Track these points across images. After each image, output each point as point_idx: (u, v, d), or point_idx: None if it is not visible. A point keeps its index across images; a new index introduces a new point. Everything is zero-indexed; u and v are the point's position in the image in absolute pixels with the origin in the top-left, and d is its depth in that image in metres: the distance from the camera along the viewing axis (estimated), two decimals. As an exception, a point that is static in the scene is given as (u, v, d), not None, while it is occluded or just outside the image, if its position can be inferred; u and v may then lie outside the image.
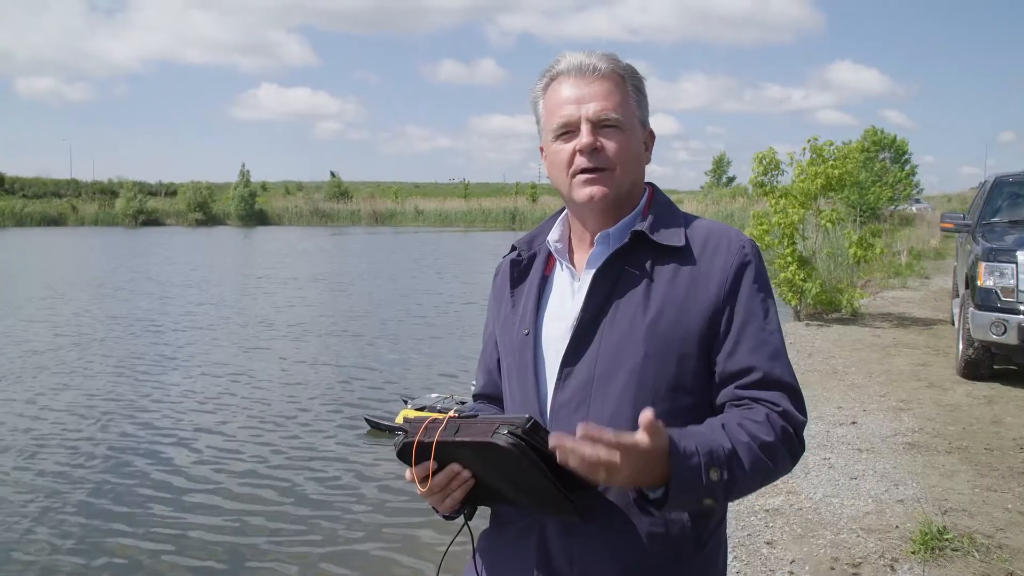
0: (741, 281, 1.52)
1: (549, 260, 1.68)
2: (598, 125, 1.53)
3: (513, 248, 1.73)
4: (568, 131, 1.56)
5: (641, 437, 1.27)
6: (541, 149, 1.65)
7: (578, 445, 1.26)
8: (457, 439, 1.39)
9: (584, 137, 1.53)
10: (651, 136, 1.65)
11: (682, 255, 1.54)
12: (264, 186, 78.45)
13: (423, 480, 1.46)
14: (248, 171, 66.06)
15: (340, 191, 72.62)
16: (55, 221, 61.99)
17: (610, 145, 1.54)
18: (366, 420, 8.57)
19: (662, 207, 1.61)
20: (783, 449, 1.44)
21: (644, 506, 1.40)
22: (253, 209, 64.67)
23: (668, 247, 1.54)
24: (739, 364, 1.49)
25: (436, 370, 11.51)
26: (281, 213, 66.65)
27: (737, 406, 1.48)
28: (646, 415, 1.27)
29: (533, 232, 1.74)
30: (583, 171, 1.54)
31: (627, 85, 1.58)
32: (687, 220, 1.61)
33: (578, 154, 1.54)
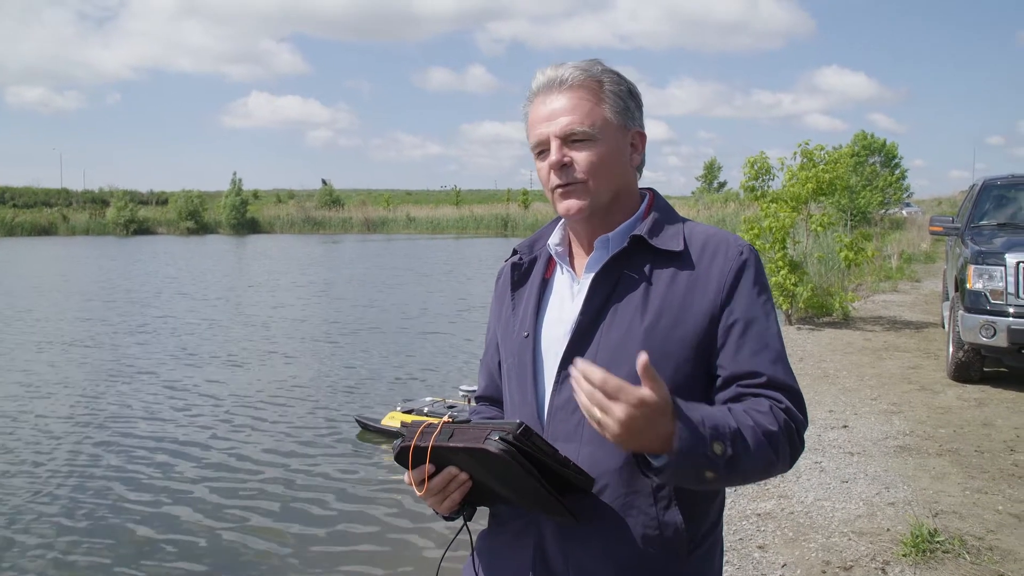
0: (740, 286, 1.53)
1: (550, 263, 1.70)
2: (567, 140, 1.55)
3: (514, 252, 1.75)
4: (543, 149, 1.58)
5: (647, 393, 1.26)
6: None
7: (582, 389, 1.28)
8: (451, 444, 1.41)
9: (552, 155, 1.55)
10: (640, 137, 1.64)
11: (681, 260, 1.55)
12: (256, 194, 78.43)
13: (421, 483, 1.48)
14: (240, 179, 66.04)
15: (332, 199, 72.57)
16: (46, 231, 61.73)
17: (579, 157, 1.55)
18: (357, 421, 8.66)
19: (662, 212, 1.63)
20: (785, 441, 1.45)
21: (645, 472, 1.39)
22: (245, 217, 64.57)
23: (667, 252, 1.55)
24: (742, 368, 1.50)
25: (431, 373, 11.55)
26: (273, 221, 66.50)
27: (739, 400, 1.50)
28: (642, 359, 1.27)
29: (534, 236, 1.76)
30: (558, 186, 1.57)
31: (602, 91, 1.57)
32: (686, 225, 1.62)
33: (552, 171, 1.57)
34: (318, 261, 35.70)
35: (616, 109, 1.58)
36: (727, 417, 1.39)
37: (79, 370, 11.99)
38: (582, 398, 1.29)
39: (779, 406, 1.47)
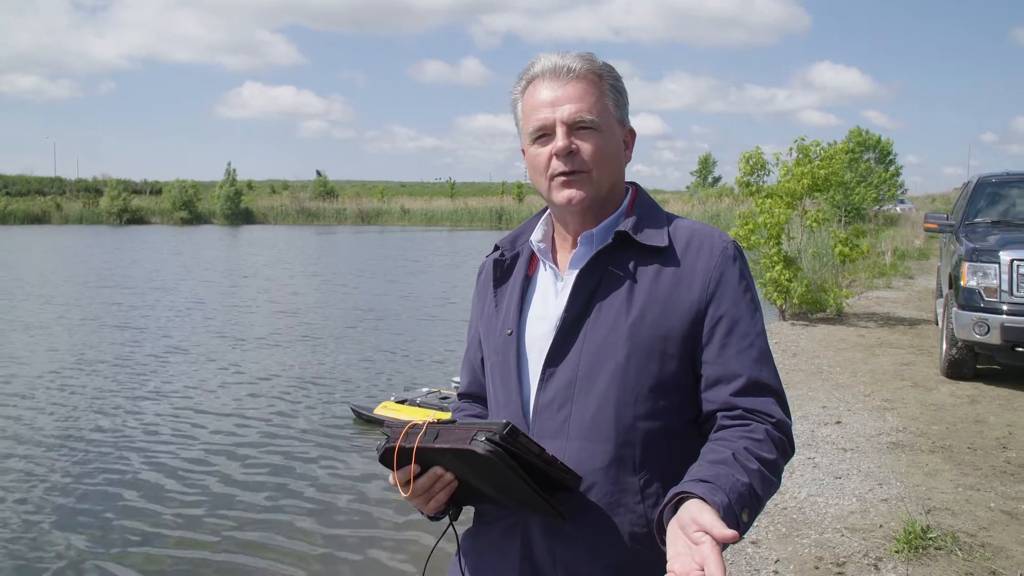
0: (725, 283, 1.52)
1: (532, 260, 1.67)
2: (573, 127, 1.53)
3: (496, 248, 1.73)
4: (544, 134, 1.55)
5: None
6: (523, 151, 1.64)
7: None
8: (436, 446, 1.39)
9: (559, 140, 1.53)
10: (631, 134, 1.64)
11: (665, 255, 1.53)
12: (250, 185, 78.16)
13: (406, 484, 1.46)
14: (234, 170, 65.76)
15: (326, 190, 72.40)
16: (39, 219, 61.57)
17: (585, 147, 1.53)
18: (352, 409, 8.70)
19: (645, 207, 1.61)
20: (783, 462, 1.47)
21: None
22: (239, 208, 64.40)
23: (651, 247, 1.54)
24: (726, 369, 1.48)
25: (427, 365, 11.55)
26: (267, 212, 66.38)
27: (730, 417, 1.47)
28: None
29: (516, 231, 1.74)
30: (560, 174, 1.54)
31: (604, 84, 1.57)
32: (670, 220, 1.60)
33: (554, 157, 1.54)
34: (319, 251, 35.64)
35: (616, 104, 1.59)
36: (739, 473, 1.35)
37: (107, 351, 12.10)
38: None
39: (771, 421, 1.46)
